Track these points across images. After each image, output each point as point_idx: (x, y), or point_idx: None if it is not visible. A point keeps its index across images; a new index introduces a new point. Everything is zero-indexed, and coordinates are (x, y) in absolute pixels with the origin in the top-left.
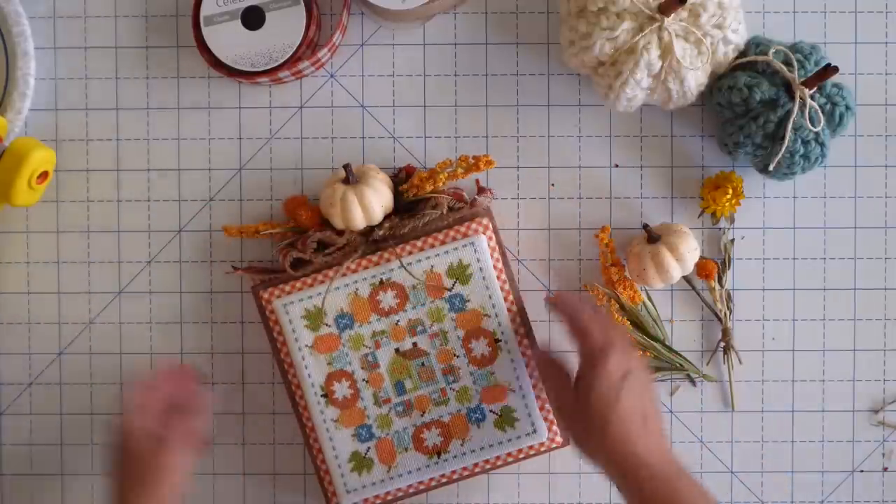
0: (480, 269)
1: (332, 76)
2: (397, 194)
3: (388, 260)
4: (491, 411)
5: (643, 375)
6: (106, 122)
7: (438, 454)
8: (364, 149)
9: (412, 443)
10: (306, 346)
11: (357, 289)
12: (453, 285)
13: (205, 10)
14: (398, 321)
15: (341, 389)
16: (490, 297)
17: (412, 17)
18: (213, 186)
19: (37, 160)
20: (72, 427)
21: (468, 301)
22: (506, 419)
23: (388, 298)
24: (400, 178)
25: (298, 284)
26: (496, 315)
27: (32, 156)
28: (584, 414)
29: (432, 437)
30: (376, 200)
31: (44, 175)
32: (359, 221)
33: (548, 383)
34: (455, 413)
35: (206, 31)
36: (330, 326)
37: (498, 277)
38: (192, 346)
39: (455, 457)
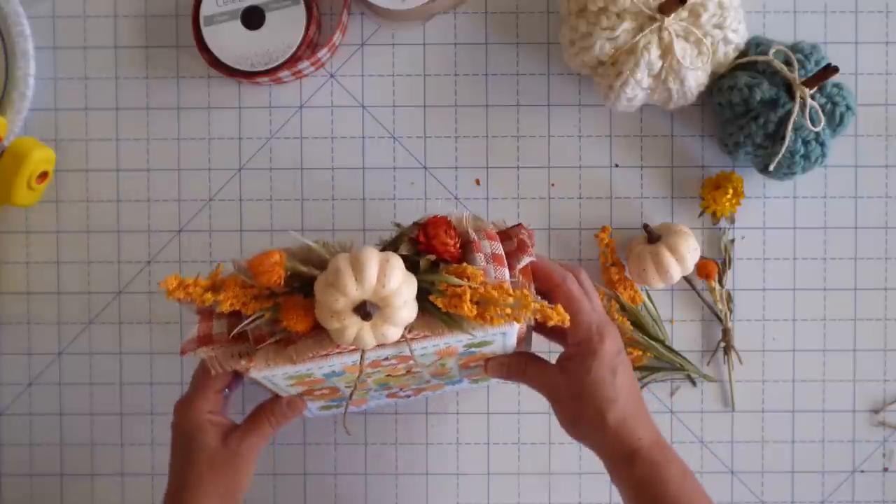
0: (504, 341)
1: (332, 76)
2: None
3: (397, 343)
4: (471, 381)
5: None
6: (106, 122)
7: (409, 397)
8: (364, 149)
9: (385, 397)
10: (287, 385)
11: (354, 361)
12: (467, 350)
13: (205, 10)
14: (396, 366)
15: (319, 392)
16: (503, 348)
17: (412, 17)
18: (212, 186)
19: (36, 160)
20: (72, 427)
21: (478, 352)
22: (481, 380)
23: (388, 362)
24: (420, 245)
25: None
26: (503, 351)
27: (32, 156)
28: (578, 396)
29: (405, 394)
30: (398, 333)
31: (43, 175)
32: (371, 346)
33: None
34: (434, 385)
35: (206, 31)
36: (315, 376)
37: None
38: None
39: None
